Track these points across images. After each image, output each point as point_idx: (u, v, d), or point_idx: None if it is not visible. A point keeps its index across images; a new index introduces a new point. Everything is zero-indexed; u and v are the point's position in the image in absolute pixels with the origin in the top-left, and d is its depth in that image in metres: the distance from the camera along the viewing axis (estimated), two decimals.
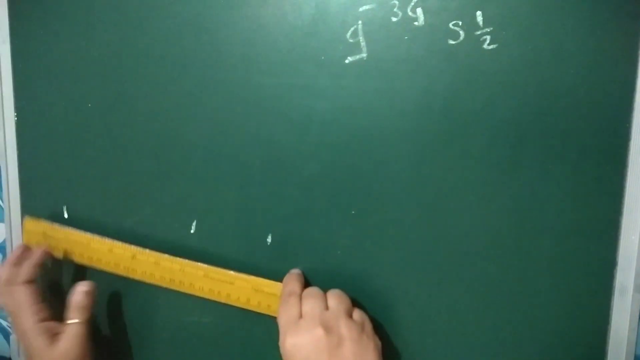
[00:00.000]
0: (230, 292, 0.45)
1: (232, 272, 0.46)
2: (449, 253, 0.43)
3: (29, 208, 0.53)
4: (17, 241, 0.54)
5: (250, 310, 0.47)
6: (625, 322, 0.41)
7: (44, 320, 0.46)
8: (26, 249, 0.49)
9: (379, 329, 0.45)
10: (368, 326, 0.41)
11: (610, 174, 0.39)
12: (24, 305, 0.45)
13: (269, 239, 0.46)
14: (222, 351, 0.50)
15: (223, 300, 0.46)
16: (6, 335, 0.61)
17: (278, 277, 0.45)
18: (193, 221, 0.48)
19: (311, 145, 0.44)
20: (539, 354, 0.43)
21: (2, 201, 0.55)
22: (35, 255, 0.48)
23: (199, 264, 0.46)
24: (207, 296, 0.46)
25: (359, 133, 0.43)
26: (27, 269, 0.47)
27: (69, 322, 0.46)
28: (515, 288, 0.42)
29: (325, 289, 0.45)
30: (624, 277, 0.40)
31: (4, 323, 0.61)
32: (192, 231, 0.48)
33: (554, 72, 0.39)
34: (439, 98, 0.41)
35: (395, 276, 0.44)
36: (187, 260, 0.46)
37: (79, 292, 0.47)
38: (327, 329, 0.38)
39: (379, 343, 0.40)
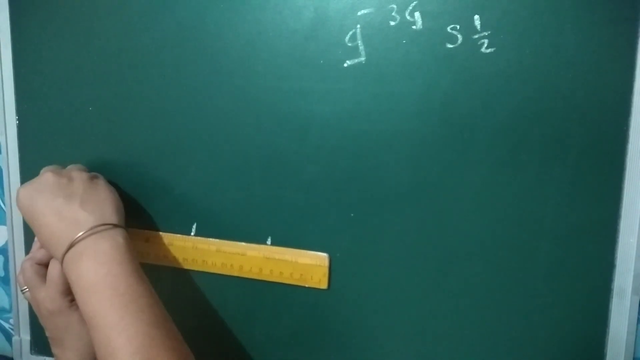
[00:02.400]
0: (242, 263, 0.46)
1: (243, 244, 0.47)
2: (447, 256, 0.43)
3: None
4: (19, 243, 0.54)
5: (250, 310, 0.48)
6: (624, 324, 0.41)
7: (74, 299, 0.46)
8: None
9: (378, 330, 0.45)
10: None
11: (608, 177, 0.39)
12: (59, 283, 0.45)
13: (269, 241, 0.46)
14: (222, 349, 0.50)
15: (236, 274, 0.47)
16: (8, 337, 0.61)
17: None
18: (193, 224, 0.48)
19: (310, 148, 0.44)
20: (538, 356, 0.43)
21: (4, 204, 0.55)
22: None
23: (211, 239, 0.47)
24: (220, 272, 0.47)
25: (358, 136, 0.43)
26: None
27: None
28: (513, 291, 0.42)
29: (324, 290, 0.45)
30: (622, 280, 0.40)
31: (6, 325, 0.61)
32: (192, 233, 0.48)
33: (552, 75, 0.39)
34: (437, 101, 0.41)
35: (394, 278, 0.44)
36: (199, 237, 0.48)
37: None
38: (56, 173, 0.43)
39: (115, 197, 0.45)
